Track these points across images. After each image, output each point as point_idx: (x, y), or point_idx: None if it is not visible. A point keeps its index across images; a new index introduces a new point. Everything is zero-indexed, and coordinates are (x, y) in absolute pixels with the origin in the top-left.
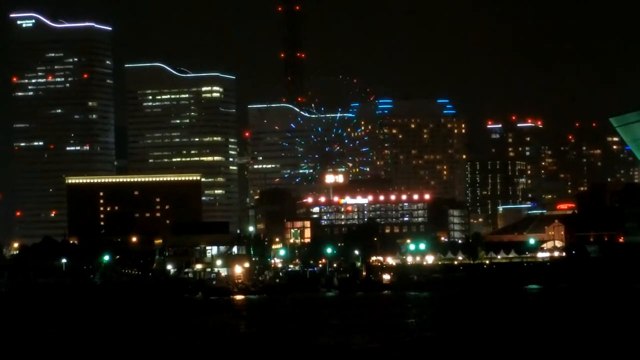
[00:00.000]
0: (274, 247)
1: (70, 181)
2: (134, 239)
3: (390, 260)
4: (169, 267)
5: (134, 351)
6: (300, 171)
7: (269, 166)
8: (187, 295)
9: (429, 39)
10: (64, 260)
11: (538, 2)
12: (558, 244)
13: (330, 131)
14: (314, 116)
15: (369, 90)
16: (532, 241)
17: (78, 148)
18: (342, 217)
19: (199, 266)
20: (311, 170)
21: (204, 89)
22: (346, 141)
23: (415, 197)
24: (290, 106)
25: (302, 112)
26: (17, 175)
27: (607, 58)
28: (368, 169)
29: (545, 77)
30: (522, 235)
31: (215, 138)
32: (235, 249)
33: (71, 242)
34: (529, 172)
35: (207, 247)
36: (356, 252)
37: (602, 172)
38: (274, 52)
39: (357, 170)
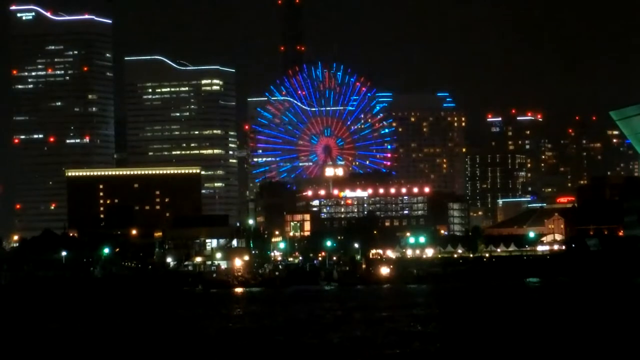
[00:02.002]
0: (273, 240)
1: (70, 174)
2: (134, 232)
3: (390, 254)
4: (169, 260)
5: (133, 344)
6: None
7: (269, 159)
8: (186, 288)
9: (429, 32)
10: (63, 253)
11: None
12: (558, 237)
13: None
14: (314, 109)
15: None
16: (531, 234)
17: (78, 141)
18: (342, 210)
19: (198, 259)
20: (310, 163)
21: (203, 82)
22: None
23: (415, 190)
24: (290, 99)
25: (302, 106)
26: (17, 168)
27: (608, 52)
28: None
29: (545, 70)
30: (522, 229)
31: (215, 131)
32: (235, 242)
33: (71, 235)
34: (528, 165)
35: (207, 240)
36: (356, 245)
37: (602, 166)
38: (274, 45)
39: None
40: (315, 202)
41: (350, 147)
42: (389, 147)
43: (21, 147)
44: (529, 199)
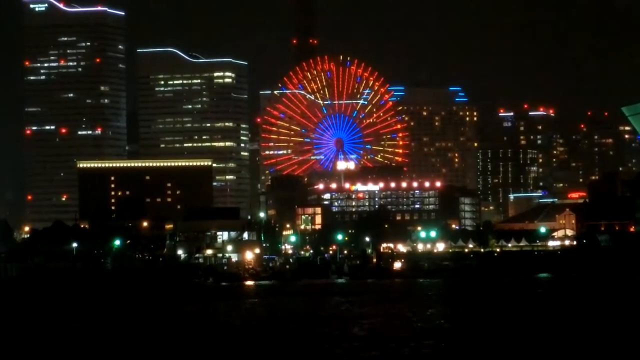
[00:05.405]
0: (284, 233)
1: (81, 165)
2: (145, 224)
3: (401, 248)
4: (180, 252)
5: (142, 337)
6: (312, 157)
7: (281, 152)
8: (197, 280)
9: (441, 26)
10: (74, 245)
11: None
12: (569, 232)
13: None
14: (326, 102)
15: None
16: (542, 230)
17: (89, 132)
18: (353, 203)
19: (209, 252)
20: (322, 157)
21: (216, 74)
22: (358, 128)
23: (427, 184)
24: (302, 92)
25: (313, 99)
26: (29, 159)
27: (620, 47)
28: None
29: (558, 65)
30: (533, 224)
31: (226, 124)
32: (245, 235)
33: (82, 226)
34: (540, 160)
35: (218, 233)
36: (367, 239)
37: (614, 161)
38: (287, 38)
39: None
40: (327, 196)
41: (362, 141)
42: (400, 142)
43: (33, 138)
44: (540, 194)
